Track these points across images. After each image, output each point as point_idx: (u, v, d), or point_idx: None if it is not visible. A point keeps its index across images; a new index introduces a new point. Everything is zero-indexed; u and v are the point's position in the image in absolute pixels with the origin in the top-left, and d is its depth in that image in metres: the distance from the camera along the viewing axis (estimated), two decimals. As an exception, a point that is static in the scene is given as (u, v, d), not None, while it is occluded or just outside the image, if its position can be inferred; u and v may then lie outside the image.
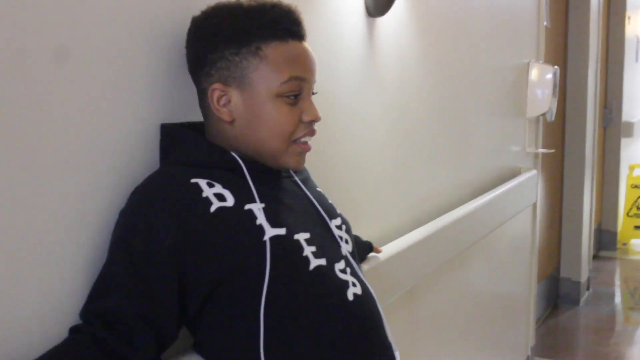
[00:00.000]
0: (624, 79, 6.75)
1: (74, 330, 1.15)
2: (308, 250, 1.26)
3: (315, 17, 1.82)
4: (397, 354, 1.37)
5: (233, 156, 1.30)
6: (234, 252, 1.20)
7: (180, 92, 1.39)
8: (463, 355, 3.07)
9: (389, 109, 2.28)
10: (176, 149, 1.31)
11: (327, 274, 1.28)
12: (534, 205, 4.08)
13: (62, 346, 1.12)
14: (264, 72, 1.26)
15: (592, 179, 5.86)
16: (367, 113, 2.14)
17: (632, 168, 7.23)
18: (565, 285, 5.58)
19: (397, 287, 2.12)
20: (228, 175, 1.27)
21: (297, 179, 1.42)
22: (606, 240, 7.08)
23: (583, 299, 5.61)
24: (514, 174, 3.76)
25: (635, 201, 7.13)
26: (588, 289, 5.82)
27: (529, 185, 3.80)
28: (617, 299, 5.86)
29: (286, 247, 1.24)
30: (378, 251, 1.94)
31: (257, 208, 1.24)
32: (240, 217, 1.23)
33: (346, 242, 1.40)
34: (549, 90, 3.95)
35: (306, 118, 1.30)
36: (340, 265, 1.32)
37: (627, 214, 7.18)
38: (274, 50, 1.27)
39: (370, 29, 2.11)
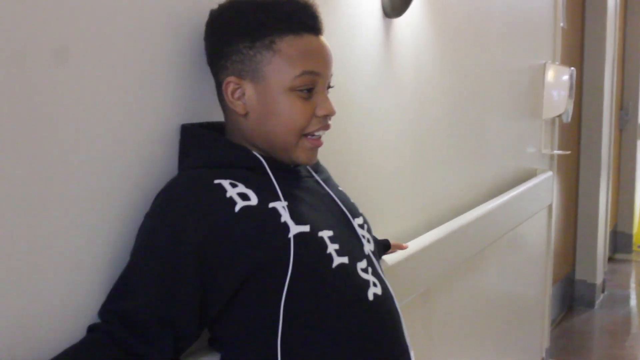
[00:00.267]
0: (640, 80, 6.72)
1: (92, 328, 1.16)
2: (331, 248, 1.26)
3: (333, 17, 1.82)
4: (412, 354, 1.37)
5: (255, 155, 1.30)
6: (260, 250, 1.20)
7: (200, 92, 1.39)
8: (477, 357, 3.06)
9: (406, 109, 2.28)
10: (197, 150, 1.31)
11: (349, 273, 1.28)
12: (550, 207, 4.07)
13: (81, 344, 1.13)
14: (277, 66, 1.26)
15: (608, 181, 5.83)
16: (384, 114, 2.14)
17: (648, 170, 7.19)
18: (581, 288, 5.56)
19: (412, 289, 2.12)
20: (250, 174, 1.27)
21: (318, 178, 1.42)
22: (622, 243, 7.05)
23: (598, 301, 5.59)
24: (529, 175, 3.75)
25: (652, 203, 7.10)
26: (603, 291, 5.80)
27: (545, 186, 3.79)
28: (633, 301, 5.83)
29: (310, 244, 1.24)
30: (403, 247, 1.95)
31: (281, 206, 1.24)
32: (264, 216, 1.23)
33: (368, 241, 1.40)
34: (565, 92, 3.94)
35: (320, 112, 1.30)
36: (362, 264, 1.32)
37: (643, 216, 7.15)
38: (288, 44, 1.26)
39: (387, 30, 2.11)
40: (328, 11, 1.79)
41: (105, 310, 1.17)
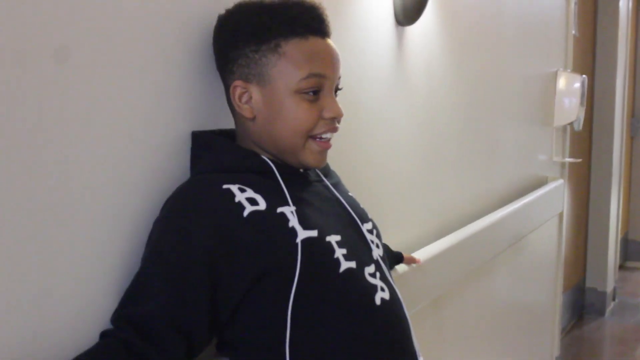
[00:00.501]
0: (652, 88, 6.71)
1: (104, 334, 1.16)
2: (339, 253, 1.26)
3: (346, 25, 1.83)
4: None
5: (264, 160, 1.31)
6: (268, 255, 1.20)
7: (212, 98, 1.40)
8: (488, 365, 3.06)
9: (417, 116, 2.29)
10: (207, 155, 1.32)
11: (356, 277, 1.28)
12: (561, 215, 4.06)
13: (94, 350, 1.13)
14: (282, 69, 1.26)
15: (619, 189, 5.82)
16: (395, 121, 2.15)
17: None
18: (591, 296, 5.54)
19: (423, 296, 2.12)
20: (258, 179, 1.28)
21: (328, 183, 1.43)
22: (633, 250, 7.02)
23: (609, 309, 5.57)
24: (540, 183, 3.74)
25: (663, 211, 7.07)
26: (614, 299, 5.78)
27: (556, 194, 3.79)
28: (644, 309, 5.82)
29: (318, 249, 1.24)
30: (416, 261, 1.95)
31: (289, 211, 1.25)
32: (273, 220, 1.23)
33: (377, 246, 1.40)
34: (576, 99, 3.93)
35: (327, 115, 1.30)
36: (370, 269, 1.32)
37: (654, 224, 7.12)
38: (293, 47, 1.26)
39: (400, 38, 2.12)
40: (341, 19, 1.80)
41: (118, 316, 1.17)
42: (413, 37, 2.19)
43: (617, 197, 5.71)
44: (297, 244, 1.21)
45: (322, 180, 1.42)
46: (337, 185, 1.46)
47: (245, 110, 1.30)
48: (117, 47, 1.19)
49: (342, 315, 1.25)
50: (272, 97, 1.28)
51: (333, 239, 1.27)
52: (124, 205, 1.23)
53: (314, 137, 1.31)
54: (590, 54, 5.28)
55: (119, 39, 1.19)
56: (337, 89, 1.34)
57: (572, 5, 4.08)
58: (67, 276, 1.14)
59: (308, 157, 1.32)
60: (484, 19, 2.83)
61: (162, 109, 1.29)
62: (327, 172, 1.47)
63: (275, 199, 1.26)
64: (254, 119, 1.31)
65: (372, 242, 1.39)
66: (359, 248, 1.33)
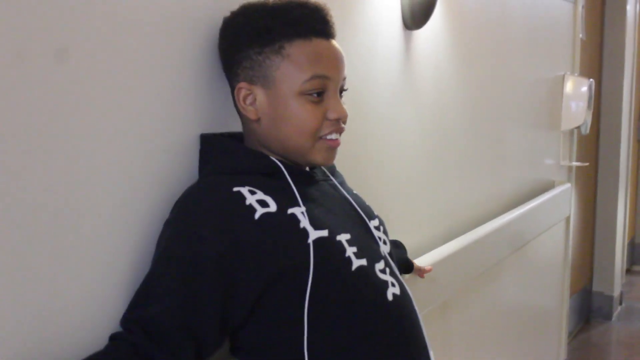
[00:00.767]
0: (659, 92, 6.68)
1: (114, 337, 1.16)
2: (350, 251, 1.27)
3: (354, 30, 1.83)
4: (431, 354, 1.38)
5: (274, 161, 1.31)
6: (281, 257, 1.21)
7: (221, 101, 1.40)
8: (494, 369, 3.06)
9: (425, 120, 2.29)
10: (216, 157, 1.33)
11: (368, 274, 1.28)
12: (568, 219, 4.06)
13: (102, 353, 1.13)
14: (286, 71, 1.27)
15: (626, 193, 5.80)
16: (403, 124, 2.15)
17: (667, 182, 7.15)
18: (598, 300, 5.53)
19: (431, 300, 2.12)
20: (268, 181, 1.28)
21: (335, 181, 1.43)
22: (639, 255, 7.00)
23: (616, 313, 5.55)
24: (547, 187, 3.74)
25: (670, 215, 7.05)
26: (621, 303, 5.77)
27: (563, 198, 3.78)
28: (650, 314, 5.80)
29: (329, 249, 1.24)
30: (426, 271, 1.95)
31: (299, 212, 1.25)
32: (284, 222, 1.23)
33: (384, 242, 1.41)
34: (583, 103, 3.93)
35: (331, 116, 1.30)
36: (380, 265, 1.32)
37: (662, 229, 7.10)
38: (297, 48, 1.27)
39: (407, 42, 2.12)
40: (350, 24, 1.80)
41: (127, 319, 1.17)
42: (420, 41, 2.19)
43: (624, 201, 5.69)
44: (309, 245, 1.22)
45: (329, 179, 1.43)
46: (343, 184, 1.46)
47: (250, 112, 1.31)
48: (126, 50, 1.20)
49: (357, 313, 1.25)
50: (277, 98, 1.28)
51: (343, 237, 1.28)
52: (133, 207, 1.24)
53: (321, 138, 1.31)
54: (597, 58, 5.27)
55: (128, 42, 1.20)
56: (342, 90, 1.34)
57: (580, 9, 4.08)
58: (75, 278, 1.14)
59: (316, 155, 1.32)
60: (491, 23, 2.83)
61: (170, 112, 1.30)
62: (333, 171, 1.48)
63: (285, 200, 1.26)
64: (258, 120, 1.31)
65: (380, 238, 1.40)
66: (368, 245, 1.33)
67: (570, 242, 4.22)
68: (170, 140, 1.30)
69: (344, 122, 1.34)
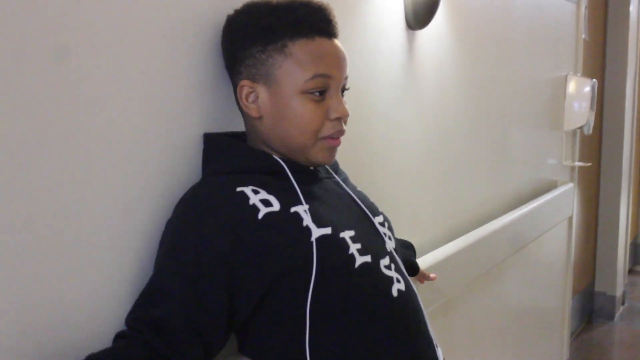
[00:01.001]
0: (662, 92, 6.68)
1: (121, 336, 1.16)
2: (353, 248, 1.27)
3: (358, 29, 1.84)
4: (439, 350, 1.38)
5: (276, 160, 1.31)
6: (284, 256, 1.21)
7: (223, 101, 1.41)
8: (497, 368, 3.06)
9: (427, 120, 2.30)
10: (219, 156, 1.33)
11: (372, 271, 1.29)
12: (570, 219, 4.06)
13: (113, 349, 1.14)
14: (289, 69, 1.27)
15: (629, 193, 5.80)
16: (406, 124, 2.16)
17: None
18: (600, 300, 5.53)
19: (433, 299, 2.13)
20: (270, 180, 1.28)
21: (338, 179, 1.43)
22: (642, 255, 7.01)
23: (618, 313, 5.55)
24: (550, 187, 3.75)
25: (673, 216, 7.04)
26: (623, 303, 5.76)
27: (565, 198, 3.79)
28: (653, 314, 5.80)
29: (332, 246, 1.25)
30: (430, 278, 1.93)
31: (302, 210, 1.25)
32: (287, 221, 1.23)
33: (389, 238, 1.41)
34: (586, 103, 3.93)
35: (333, 115, 1.30)
36: (385, 261, 1.33)
37: (664, 229, 7.10)
38: (299, 47, 1.27)
39: (411, 42, 2.13)
40: (353, 24, 1.81)
41: (134, 318, 1.17)
42: (423, 41, 2.20)
43: (626, 201, 5.69)
44: (312, 243, 1.22)
45: (332, 177, 1.43)
46: (346, 181, 1.47)
47: (252, 110, 1.31)
48: (128, 49, 1.21)
49: (361, 310, 1.26)
50: (279, 97, 1.29)
51: (347, 234, 1.28)
52: (135, 205, 1.24)
53: (323, 138, 1.31)
54: (600, 58, 5.27)
55: (130, 41, 1.21)
56: (343, 89, 1.35)
57: (583, 9, 4.08)
58: (78, 277, 1.15)
59: (317, 154, 1.32)
60: (494, 24, 2.84)
61: (173, 111, 1.30)
62: (336, 168, 1.48)
63: (288, 198, 1.26)
64: (260, 118, 1.32)
65: (385, 234, 1.40)
66: (372, 241, 1.34)
67: (573, 242, 4.22)
68: (173, 139, 1.31)
69: (345, 122, 1.34)
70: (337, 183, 1.43)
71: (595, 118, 4.20)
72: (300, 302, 1.22)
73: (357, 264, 1.26)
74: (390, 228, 1.45)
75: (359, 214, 1.38)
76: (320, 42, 1.29)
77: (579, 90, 3.91)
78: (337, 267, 1.25)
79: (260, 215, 1.22)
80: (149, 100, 1.25)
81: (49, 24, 1.06)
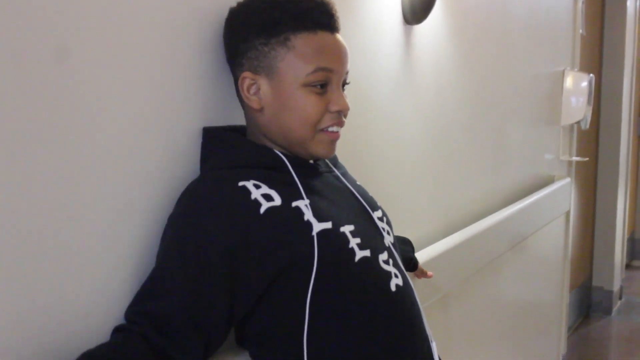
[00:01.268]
0: (659, 87, 6.68)
1: (119, 329, 1.17)
2: (353, 242, 1.27)
3: (355, 24, 1.84)
4: (434, 345, 1.38)
5: (277, 154, 1.32)
6: (286, 250, 1.21)
7: (224, 94, 1.41)
8: (494, 363, 3.07)
9: (425, 115, 2.30)
10: (219, 151, 1.33)
11: (371, 265, 1.29)
12: (567, 214, 4.06)
13: (111, 343, 1.14)
14: (291, 62, 1.27)
15: (626, 188, 5.81)
16: (403, 119, 2.16)
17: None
18: (598, 294, 5.54)
19: (430, 294, 2.13)
20: (271, 174, 1.29)
21: (338, 173, 1.44)
22: (639, 250, 7.01)
23: (615, 308, 5.56)
24: (547, 182, 3.75)
25: (670, 210, 7.05)
26: (620, 298, 5.78)
27: (563, 193, 3.79)
28: (650, 308, 5.81)
29: (333, 240, 1.25)
30: (428, 276, 1.93)
31: (303, 204, 1.26)
32: (288, 215, 1.24)
33: (388, 233, 1.41)
34: (583, 98, 3.93)
35: (333, 108, 1.30)
36: (384, 256, 1.33)
37: (661, 224, 7.11)
38: (302, 41, 1.27)
39: (408, 37, 2.12)
40: (350, 18, 1.81)
41: (134, 311, 1.17)
42: (421, 36, 2.20)
43: (624, 196, 5.70)
44: (312, 237, 1.22)
45: (332, 171, 1.44)
46: (345, 175, 1.47)
47: (253, 102, 1.31)
48: (127, 43, 1.20)
49: (360, 304, 1.26)
50: (280, 89, 1.29)
51: (347, 229, 1.28)
52: (135, 201, 1.24)
53: (322, 130, 1.32)
54: (597, 53, 5.27)
55: (129, 34, 1.20)
56: (344, 84, 1.35)
57: (580, 4, 4.08)
58: (79, 273, 1.14)
59: (318, 147, 1.33)
60: (491, 18, 2.84)
61: (172, 106, 1.30)
62: (335, 162, 1.49)
63: (289, 193, 1.27)
64: (262, 110, 1.31)
65: (384, 229, 1.40)
66: (371, 236, 1.34)
67: (570, 237, 4.23)
68: (172, 133, 1.30)
69: (345, 116, 1.35)
70: (337, 177, 1.43)
71: (593, 113, 4.20)
72: (301, 295, 1.22)
73: (356, 259, 1.27)
74: (388, 223, 1.46)
75: (358, 209, 1.39)
76: (322, 36, 1.29)
77: (576, 85, 3.91)
78: (337, 262, 1.25)
79: (262, 210, 1.22)
80: (148, 95, 1.25)
81: (52, 16, 1.06)
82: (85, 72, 1.13)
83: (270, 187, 1.25)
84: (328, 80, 1.30)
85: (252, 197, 1.23)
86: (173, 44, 1.30)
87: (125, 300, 1.21)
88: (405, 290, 1.33)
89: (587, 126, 4.10)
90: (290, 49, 1.27)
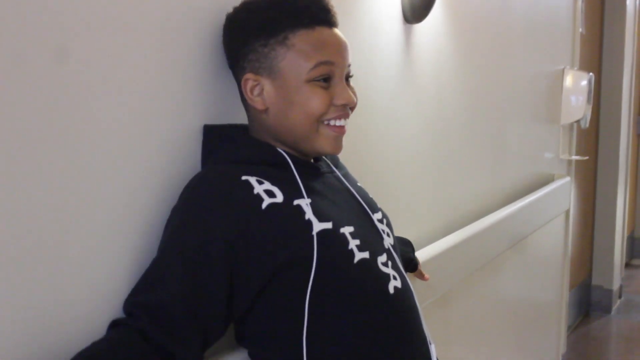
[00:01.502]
0: (659, 85, 6.68)
1: (117, 323, 1.16)
2: (353, 244, 1.27)
3: (354, 23, 1.84)
4: (432, 347, 1.38)
5: (280, 152, 1.32)
6: (286, 247, 1.21)
7: (223, 95, 1.41)
8: (494, 362, 3.07)
9: (425, 114, 2.30)
10: (221, 147, 1.33)
11: (370, 267, 1.29)
12: (567, 213, 4.06)
13: (108, 339, 1.14)
14: (291, 61, 1.28)
15: (626, 186, 5.81)
16: (403, 118, 2.16)
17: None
18: (597, 293, 5.54)
19: (430, 293, 2.13)
20: (274, 172, 1.29)
21: (339, 174, 1.44)
22: (639, 248, 7.01)
23: (615, 307, 5.56)
24: (547, 180, 3.75)
25: (669, 209, 7.05)
26: (620, 297, 5.78)
27: (562, 192, 3.79)
28: (649, 307, 5.81)
29: (333, 241, 1.25)
30: (424, 278, 1.92)
31: (304, 203, 1.26)
32: (290, 213, 1.24)
33: (388, 235, 1.41)
34: (583, 97, 3.93)
35: (338, 101, 1.31)
36: (383, 258, 1.33)
37: (661, 222, 7.11)
38: (300, 38, 1.28)
39: (408, 35, 2.12)
40: (350, 17, 1.81)
41: (132, 302, 1.17)
42: (421, 35, 2.20)
43: (623, 195, 5.70)
44: (312, 236, 1.23)
45: (333, 171, 1.44)
46: (346, 175, 1.47)
47: (258, 103, 1.32)
48: (128, 44, 1.20)
49: (358, 305, 1.26)
50: (284, 88, 1.29)
51: (347, 230, 1.29)
52: (133, 199, 1.24)
53: (326, 123, 1.32)
54: (597, 52, 5.27)
55: (130, 35, 1.21)
56: (348, 77, 1.35)
57: (580, 2, 4.08)
58: (80, 268, 1.15)
59: (323, 143, 1.33)
60: (491, 17, 2.84)
61: (171, 104, 1.30)
62: (336, 162, 1.49)
63: (290, 191, 1.27)
64: (266, 110, 1.32)
65: (383, 231, 1.40)
66: (371, 238, 1.34)
67: (570, 236, 4.23)
68: (173, 131, 1.31)
69: (352, 109, 1.35)
70: (338, 178, 1.43)
71: (592, 111, 4.20)
72: (300, 295, 1.22)
73: (356, 260, 1.27)
74: (388, 225, 1.46)
75: (358, 210, 1.39)
76: (320, 31, 1.30)
77: (576, 83, 3.91)
78: (336, 262, 1.25)
79: (264, 206, 1.22)
80: (149, 93, 1.25)
81: (53, 14, 1.06)
82: (87, 72, 1.13)
83: (273, 183, 1.26)
84: (331, 73, 1.30)
85: (255, 192, 1.23)
86: (173, 43, 1.30)
87: (123, 294, 1.21)
88: (404, 292, 1.33)
89: (587, 125, 4.10)
90: (290, 47, 1.28)
